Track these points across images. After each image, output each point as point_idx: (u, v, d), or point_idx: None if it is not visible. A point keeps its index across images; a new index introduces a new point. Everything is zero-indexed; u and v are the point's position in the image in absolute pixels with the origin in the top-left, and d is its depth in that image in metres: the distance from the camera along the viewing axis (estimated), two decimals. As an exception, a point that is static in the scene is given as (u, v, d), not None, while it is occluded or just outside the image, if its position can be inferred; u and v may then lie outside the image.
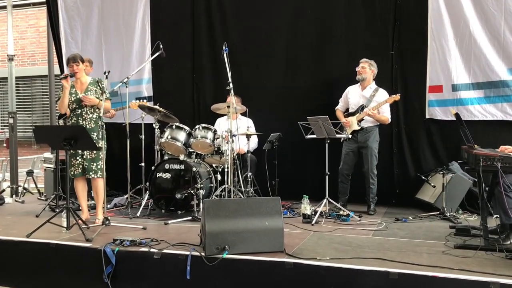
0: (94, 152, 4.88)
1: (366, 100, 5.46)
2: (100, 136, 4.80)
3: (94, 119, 4.97)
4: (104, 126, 4.85)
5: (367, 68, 5.48)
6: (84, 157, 4.89)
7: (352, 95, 5.62)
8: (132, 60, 7.00)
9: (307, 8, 6.23)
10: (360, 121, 5.43)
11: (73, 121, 4.97)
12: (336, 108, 5.79)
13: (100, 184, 4.90)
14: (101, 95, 4.96)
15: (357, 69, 5.52)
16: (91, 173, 4.89)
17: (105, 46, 7.15)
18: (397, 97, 5.36)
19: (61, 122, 6.01)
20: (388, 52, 5.90)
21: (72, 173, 4.93)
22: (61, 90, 4.89)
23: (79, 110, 4.94)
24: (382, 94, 5.46)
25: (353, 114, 5.54)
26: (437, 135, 5.78)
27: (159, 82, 6.97)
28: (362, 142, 5.45)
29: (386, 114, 5.46)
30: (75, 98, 4.91)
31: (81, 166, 4.92)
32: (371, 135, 5.44)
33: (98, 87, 5.00)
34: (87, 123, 4.93)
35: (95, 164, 4.89)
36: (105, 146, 4.95)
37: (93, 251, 3.83)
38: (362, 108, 5.44)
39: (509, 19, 5.34)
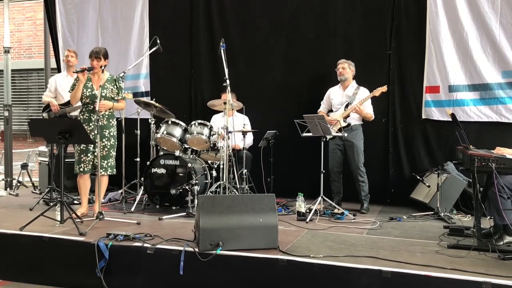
0: (105, 149, 4.85)
1: (350, 98, 5.51)
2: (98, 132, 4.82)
3: (107, 116, 4.91)
4: (112, 122, 4.93)
5: (347, 68, 5.57)
6: (95, 154, 4.82)
7: (335, 96, 5.68)
8: (130, 54, 6.97)
9: (305, 6, 6.23)
10: (346, 117, 5.47)
11: (85, 116, 4.88)
12: (318, 110, 5.80)
13: (106, 181, 4.96)
14: (116, 95, 4.95)
15: (338, 70, 5.59)
16: (101, 171, 4.81)
17: (102, 40, 7.11)
18: (384, 88, 5.43)
19: (45, 115, 5.96)
20: (386, 51, 5.91)
21: (82, 169, 4.88)
22: (77, 81, 4.85)
23: (92, 106, 4.84)
24: (364, 91, 5.53)
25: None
26: (433, 135, 5.80)
27: (156, 78, 6.94)
28: (348, 140, 5.48)
29: (369, 111, 5.51)
30: (90, 93, 4.83)
31: (91, 163, 4.88)
32: (356, 133, 5.50)
33: (115, 86, 4.94)
34: (100, 119, 4.86)
35: (105, 161, 4.86)
36: (115, 142, 4.99)
37: (86, 245, 3.82)
38: (347, 105, 5.49)
39: (504, 22, 5.37)
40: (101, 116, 4.83)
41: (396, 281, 3.18)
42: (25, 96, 11.49)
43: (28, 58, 11.36)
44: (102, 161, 4.84)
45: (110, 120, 4.96)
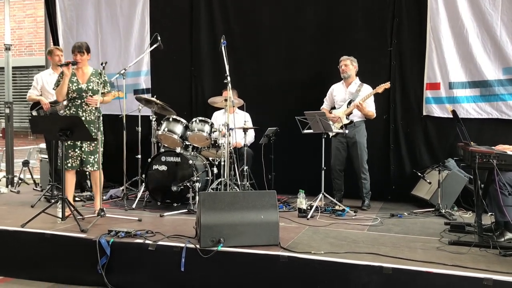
0: (93, 144, 4.80)
1: (352, 95, 5.49)
2: (99, 129, 4.78)
3: (93, 111, 4.84)
4: (101, 118, 4.87)
5: (350, 65, 5.52)
6: (83, 149, 4.79)
7: (338, 92, 5.66)
8: (131, 51, 6.96)
9: (307, 3, 6.22)
10: (348, 114, 5.45)
11: (71, 111, 4.84)
12: (321, 107, 5.78)
13: (98, 176, 4.87)
14: (102, 88, 4.88)
15: (340, 68, 5.55)
16: (88, 166, 4.80)
17: (101, 36, 7.10)
18: (387, 85, 5.40)
19: (34, 113, 5.96)
20: (387, 48, 5.90)
21: (70, 165, 4.80)
22: (61, 76, 4.79)
23: (79, 101, 4.81)
24: (367, 88, 5.50)
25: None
26: (434, 132, 5.80)
27: (157, 75, 6.94)
28: (350, 137, 5.47)
29: (371, 109, 5.48)
30: (76, 87, 4.79)
31: (79, 159, 4.83)
32: (359, 130, 5.48)
33: (101, 79, 4.90)
34: (87, 114, 4.83)
35: (93, 156, 4.82)
36: (102, 138, 4.92)
37: (88, 242, 3.82)
38: (349, 102, 5.47)
39: (505, 19, 5.36)
40: (88, 111, 4.81)
41: (397, 278, 3.18)
42: (26, 94, 11.37)
43: (29, 55, 11.35)
44: (89, 156, 4.81)
45: (97, 115, 4.90)
